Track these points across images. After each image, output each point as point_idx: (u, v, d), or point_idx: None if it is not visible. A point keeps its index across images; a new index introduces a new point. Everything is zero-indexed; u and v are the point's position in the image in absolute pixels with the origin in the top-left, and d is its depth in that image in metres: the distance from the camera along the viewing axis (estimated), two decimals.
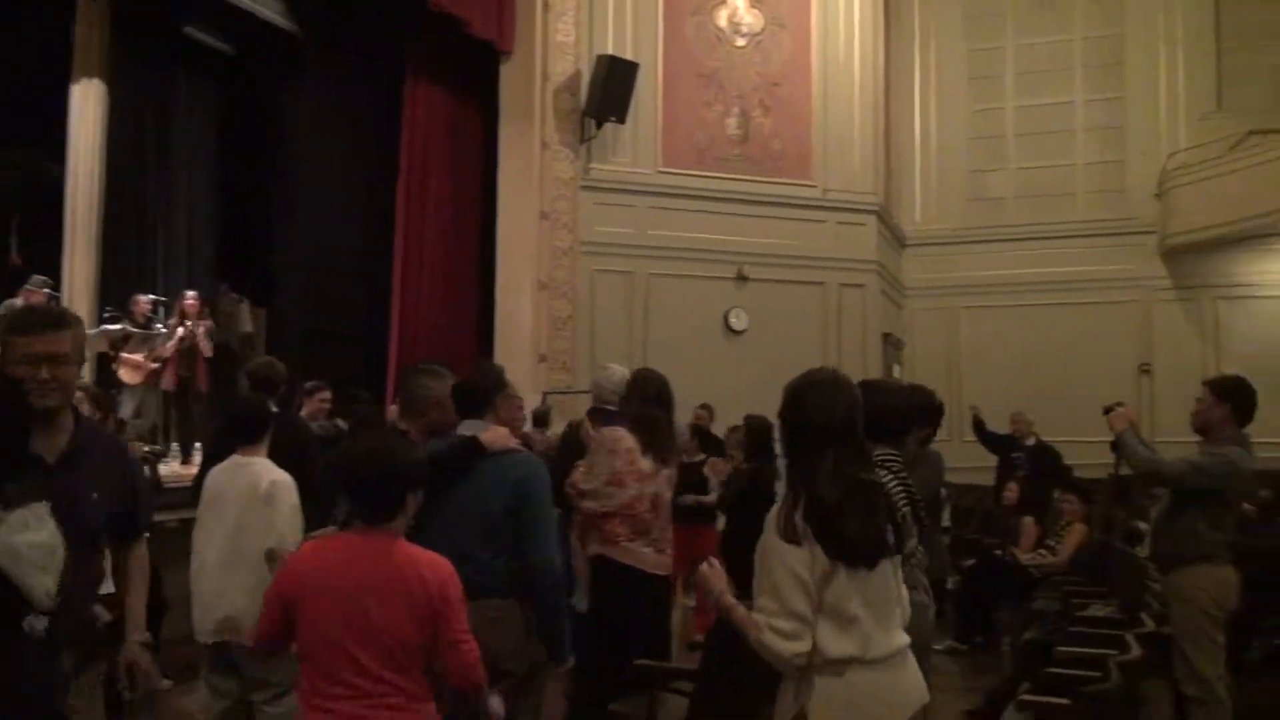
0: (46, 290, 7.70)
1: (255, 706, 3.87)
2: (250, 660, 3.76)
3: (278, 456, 4.06)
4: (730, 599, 2.45)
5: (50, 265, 7.61)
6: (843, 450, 2.43)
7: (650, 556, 4.36)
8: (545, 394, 9.71)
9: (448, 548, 2.76)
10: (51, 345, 2.55)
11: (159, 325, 8.65)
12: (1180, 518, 4.33)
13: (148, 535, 2.95)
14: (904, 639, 2.49)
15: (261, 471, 3.90)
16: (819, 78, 12.29)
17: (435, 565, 2.56)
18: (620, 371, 4.96)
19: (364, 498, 2.59)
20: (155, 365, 8.37)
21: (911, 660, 2.51)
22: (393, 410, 5.64)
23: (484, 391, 3.60)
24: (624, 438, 4.26)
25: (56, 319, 2.65)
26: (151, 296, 8.86)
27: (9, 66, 9.93)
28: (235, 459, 3.99)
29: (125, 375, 8.18)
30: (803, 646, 2.31)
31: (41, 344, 2.54)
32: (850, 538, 2.36)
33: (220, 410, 4.79)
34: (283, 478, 3.90)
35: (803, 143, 12.19)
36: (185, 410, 8.62)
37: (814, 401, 2.48)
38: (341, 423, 6.20)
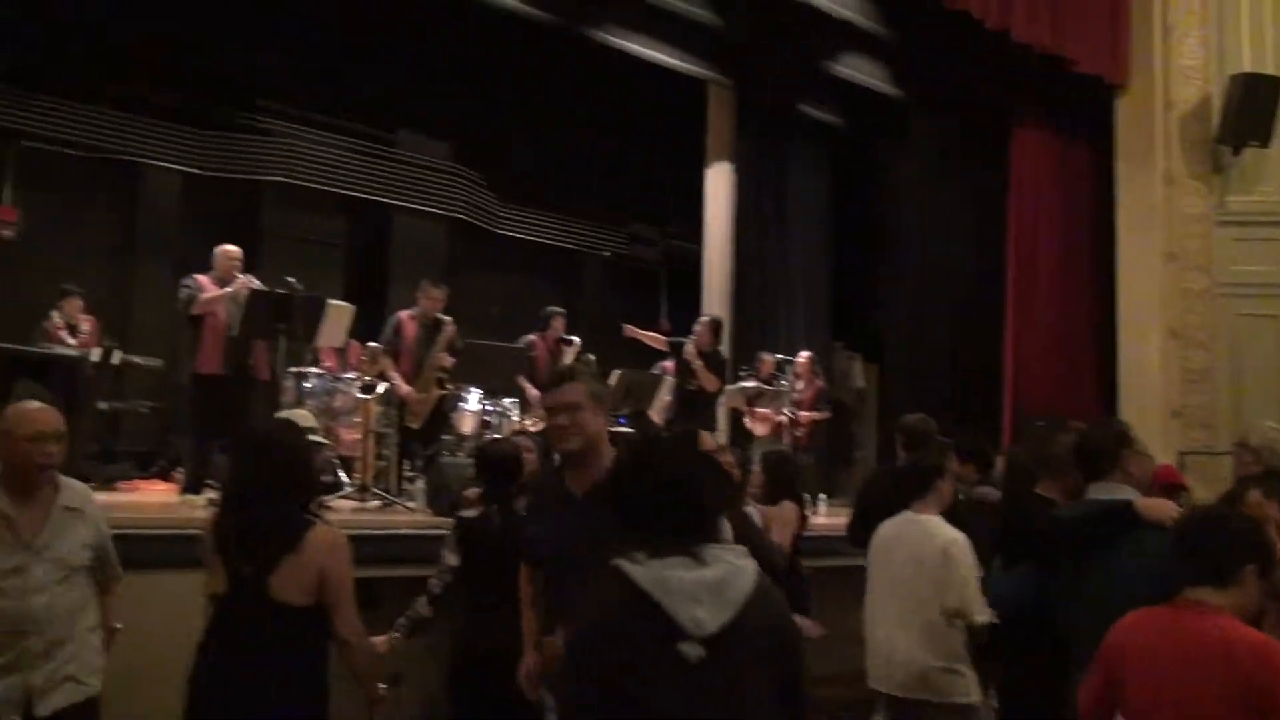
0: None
1: None
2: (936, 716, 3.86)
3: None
4: None
5: (689, 331, 8.53)
6: None
7: None
8: (1181, 454, 8.76)
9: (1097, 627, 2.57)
10: (563, 397, 2.96)
11: (783, 382, 9.28)
12: None
13: None
14: None
15: (935, 530, 3.97)
16: None
17: (1258, 648, 2.28)
18: None
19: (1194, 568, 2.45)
20: (782, 419, 8.98)
21: None
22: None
23: (1108, 449, 3.36)
24: None
25: (568, 374, 3.08)
26: (776, 356, 9.55)
27: (656, 155, 11.50)
28: (908, 515, 4.09)
29: (756, 428, 8.88)
30: None
31: (554, 397, 2.99)
32: None
33: (882, 469, 4.97)
34: (959, 537, 3.92)
35: None
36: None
37: None
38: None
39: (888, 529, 4.14)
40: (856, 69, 10.47)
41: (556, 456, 3.19)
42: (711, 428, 8.46)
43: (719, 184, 10.72)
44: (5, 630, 3.08)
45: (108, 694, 3.39)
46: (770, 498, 5.38)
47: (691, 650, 1.91)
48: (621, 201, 12.96)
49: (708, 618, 1.92)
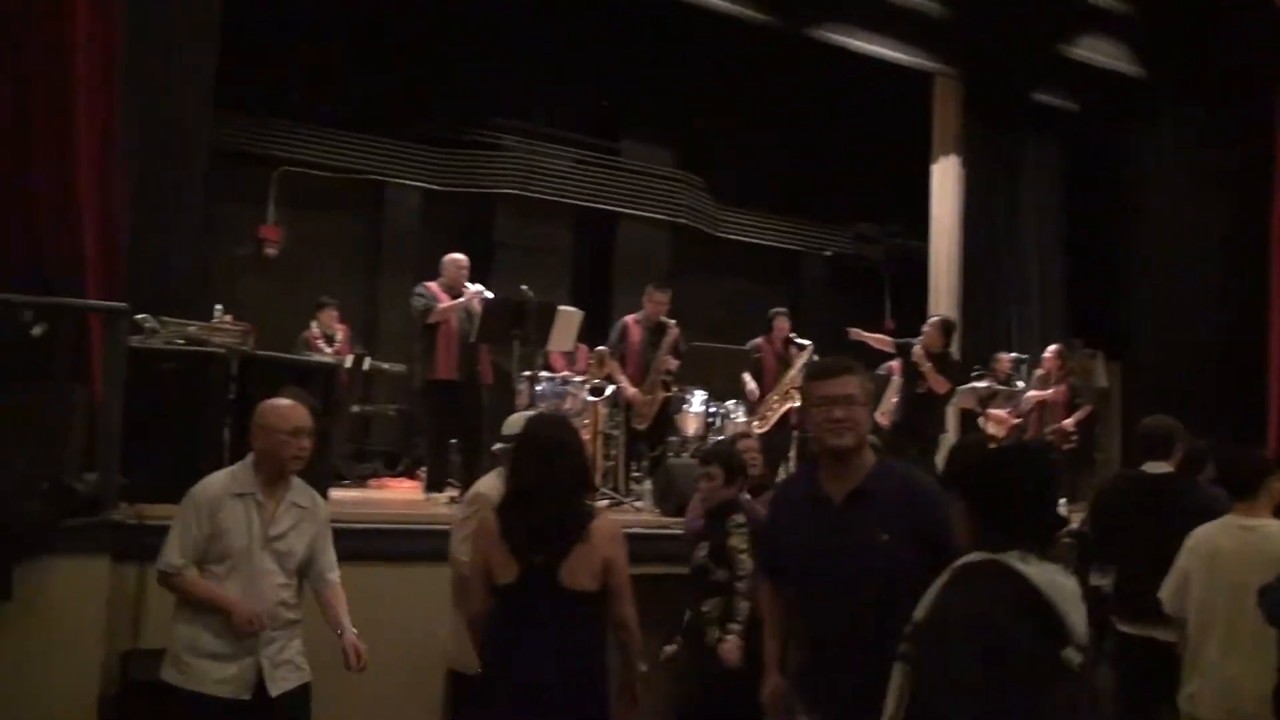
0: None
1: None
2: None
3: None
4: None
5: (915, 330, 8.25)
6: None
7: None
8: None
9: None
10: (843, 388, 2.78)
11: (1019, 382, 8.86)
12: None
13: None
14: None
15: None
16: None
17: None
18: None
19: None
20: (1018, 420, 8.56)
21: None
22: None
23: None
24: None
25: (846, 366, 2.88)
26: (1013, 355, 9.13)
27: (878, 153, 11.25)
28: (1235, 520, 3.75)
29: (991, 429, 8.48)
30: None
31: (833, 387, 2.79)
32: None
33: (1119, 475, 4.62)
34: None
35: None
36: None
37: None
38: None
39: (1213, 538, 3.74)
40: (1094, 50, 9.92)
41: (810, 453, 3.06)
42: (940, 430, 8.17)
43: (946, 179, 10.37)
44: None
45: (344, 677, 3.51)
46: None
47: (1075, 656, 1.94)
48: (844, 200, 12.75)
49: (1083, 626, 1.98)
